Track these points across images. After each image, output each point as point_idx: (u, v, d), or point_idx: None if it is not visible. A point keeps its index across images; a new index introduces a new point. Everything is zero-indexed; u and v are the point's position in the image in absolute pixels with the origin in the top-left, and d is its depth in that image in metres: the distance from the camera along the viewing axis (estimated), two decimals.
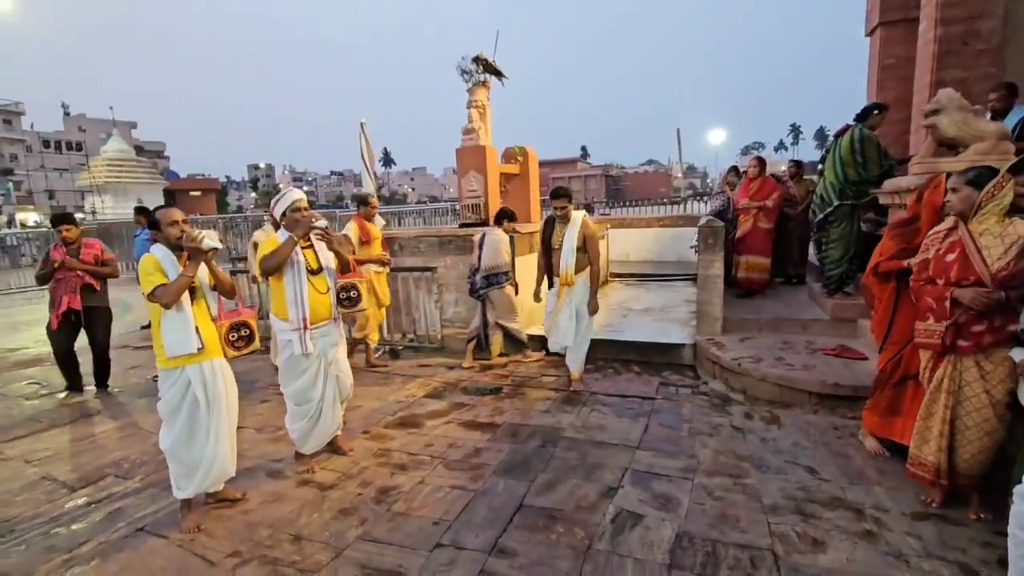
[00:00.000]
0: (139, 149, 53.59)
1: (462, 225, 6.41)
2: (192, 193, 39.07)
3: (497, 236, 4.88)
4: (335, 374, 3.06)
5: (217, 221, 17.95)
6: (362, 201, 5.04)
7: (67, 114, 54.46)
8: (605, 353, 4.89)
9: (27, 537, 2.52)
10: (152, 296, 2.40)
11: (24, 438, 3.71)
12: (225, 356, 2.65)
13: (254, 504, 2.72)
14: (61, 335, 4.44)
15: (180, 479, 2.52)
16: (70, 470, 3.20)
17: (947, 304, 2.12)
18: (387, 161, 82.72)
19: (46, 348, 4.97)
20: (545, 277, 4.24)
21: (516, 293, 5.00)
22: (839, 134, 4.54)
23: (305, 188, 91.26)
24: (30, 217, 38.55)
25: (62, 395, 4.55)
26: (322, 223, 2.89)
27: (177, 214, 2.55)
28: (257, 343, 2.80)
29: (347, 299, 3.14)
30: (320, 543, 2.37)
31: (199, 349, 2.47)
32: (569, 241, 3.96)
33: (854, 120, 4.44)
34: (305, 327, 2.86)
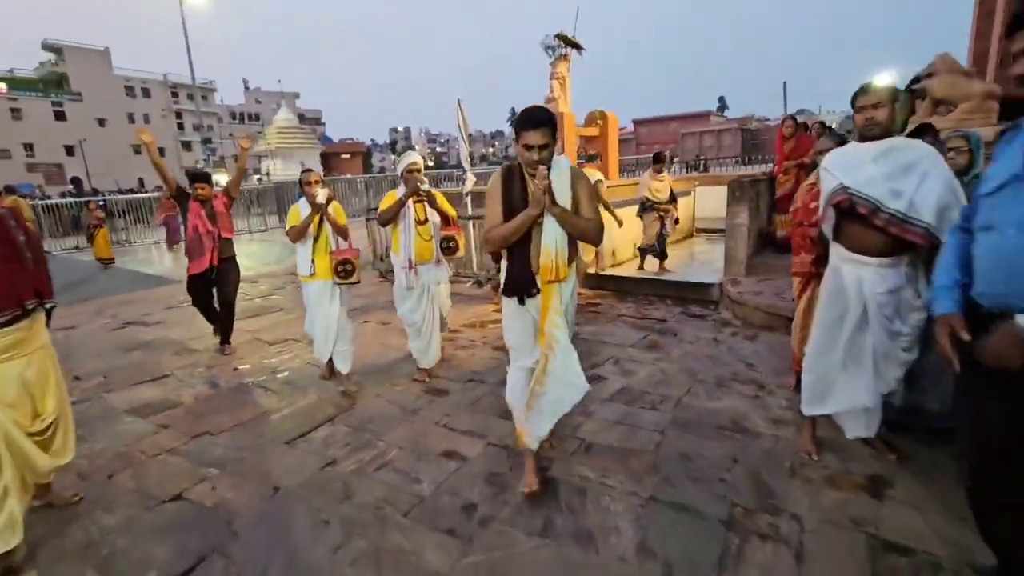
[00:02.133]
0: (301, 117, 60.98)
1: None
2: (343, 156, 44.20)
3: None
4: (437, 304, 3.78)
5: (361, 180, 20.99)
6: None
7: (247, 88, 63.69)
8: (648, 290, 5.89)
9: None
10: (287, 234, 3.57)
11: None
12: (334, 281, 3.54)
13: (370, 397, 4.34)
14: (200, 289, 4.54)
15: (316, 348, 3.72)
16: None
17: (811, 242, 2.90)
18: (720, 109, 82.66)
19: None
20: (504, 273, 2.31)
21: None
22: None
23: (438, 149, 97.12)
24: (222, 178, 46.82)
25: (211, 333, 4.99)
26: (424, 186, 3.48)
27: (311, 176, 3.49)
28: (357, 277, 3.54)
29: (447, 248, 3.72)
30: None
31: (311, 274, 3.53)
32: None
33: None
34: (411, 266, 3.54)
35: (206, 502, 2.45)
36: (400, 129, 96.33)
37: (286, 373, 4.05)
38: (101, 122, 44.96)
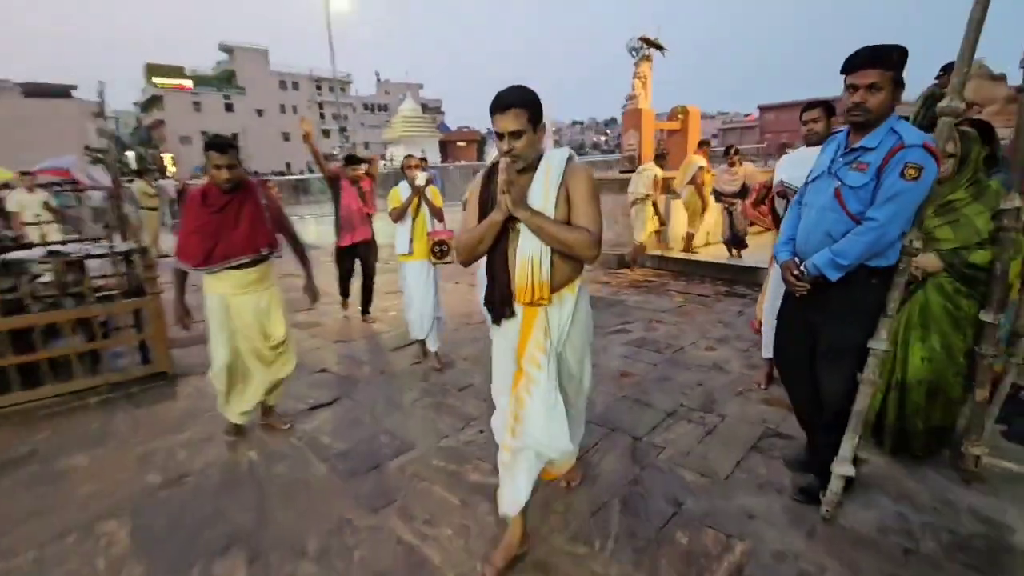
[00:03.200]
0: (424, 107, 65.07)
1: (621, 172, 8.43)
2: (459, 144, 46.85)
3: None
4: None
5: (473, 167, 22.87)
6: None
7: (378, 81, 69.34)
8: (705, 272, 6.58)
9: None
10: (389, 214, 3.76)
11: None
12: (431, 261, 3.73)
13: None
14: (348, 262, 5.03)
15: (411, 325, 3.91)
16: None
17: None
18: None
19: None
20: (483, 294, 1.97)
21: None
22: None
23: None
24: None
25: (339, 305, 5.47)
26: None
27: (411, 160, 3.84)
28: (452, 257, 3.62)
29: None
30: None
31: (409, 252, 3.70)
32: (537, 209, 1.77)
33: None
34: None
35: (341, 373, 3.85)
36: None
37: (393, 313, 5.45)
38: (259, 112, 51.92)
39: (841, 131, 2.11)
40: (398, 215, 3.73)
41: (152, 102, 48.87)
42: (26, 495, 2.52)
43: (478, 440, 2.81)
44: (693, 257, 6.99)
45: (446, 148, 42.46)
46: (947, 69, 5.82)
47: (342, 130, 37.74)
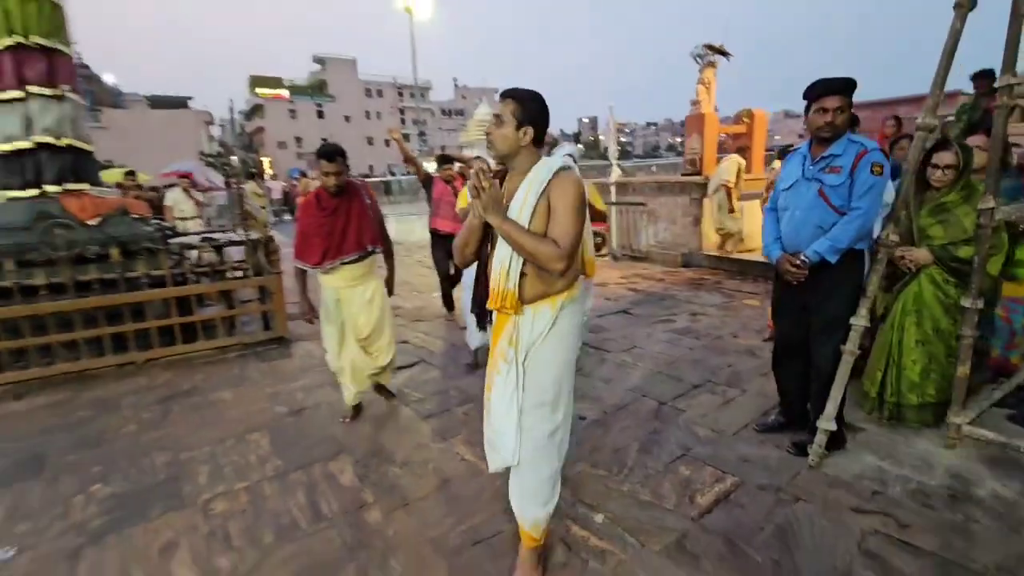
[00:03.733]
0: None
1: (683, 175, 8.72)
2: None
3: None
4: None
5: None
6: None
7: (456, 86, 71.79)
8: (758, 271, 6.80)
9: None
10: (457, 212, 4.37)
11: None
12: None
13: None
14: (442, 252, 5.03)
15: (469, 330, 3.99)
16: None
17: None
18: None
19: None
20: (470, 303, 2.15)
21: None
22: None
23: (622, 139, 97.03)
24: (432, 167, 54.38)
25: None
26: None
27: (475, 164, 4.53)
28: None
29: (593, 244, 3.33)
30: None
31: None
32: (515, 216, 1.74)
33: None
34: None
35: (419, 345, 4.61)
36: (587, 119, 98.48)
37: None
38: (347, 119, 55.46)
39: (798, 147, 2.55)
40: (463, 214, 3.77)
41: (255, 111, 53.59)
42: (193, 415, 3.41)
43: None
44: (750, 257, 7.20)
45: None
46: (979, 76, 5.86)
47: (420, 134, 39.79)
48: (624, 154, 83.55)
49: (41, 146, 4.47)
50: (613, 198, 8.52)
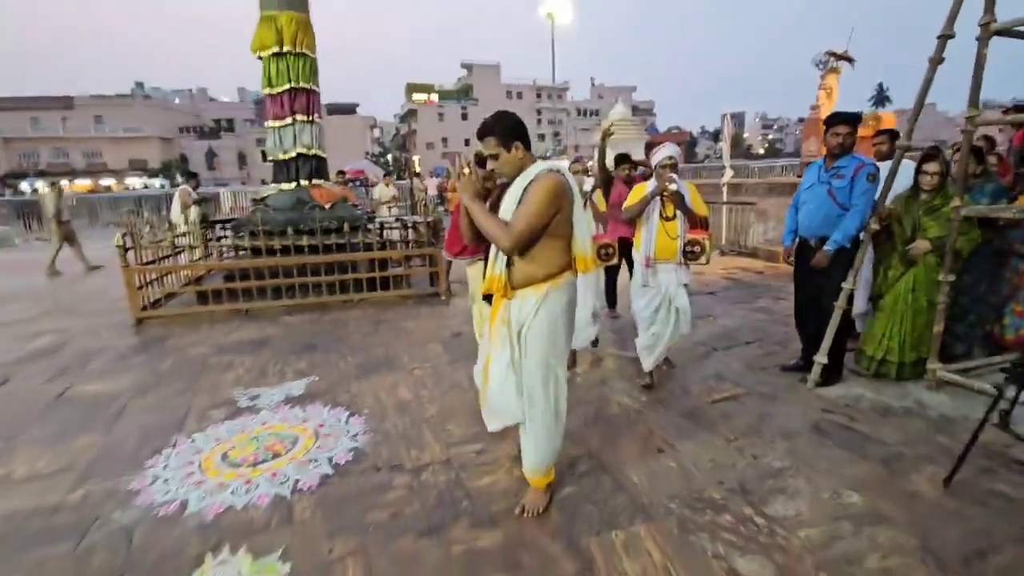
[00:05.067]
0: (635, 109, 65.84)
1: (796, 176, 9.18)
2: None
3: None
4: (676, 308, 3.49)
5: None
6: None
7: (593, 85, 72.72)
8: None
9: None
10: None
11: None
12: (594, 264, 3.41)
13: None
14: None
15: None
16: None
17: None
18: (879, 100, 71.61)
19: None
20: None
21: None
22: None
23: (770, 136, 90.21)
24: (564, 163, 56.11)
25: None
26: (673, 186, 3.30)
27: (576, 166, 5.71)
28: (615, 261, 3.70)
29: (691, 252, 3.42)
30: None
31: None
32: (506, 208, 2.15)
33: None
34: (648, 264, 3.46)
35: None
36: (730, 116, 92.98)
37: None
38: None
39: (816, 161, 3.53)
40: (631, 213, 3.73)
41: (408, 115, 59.79)
42: (392, 333, 5.23)
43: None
44: None
45: (651, 149, 43.07)
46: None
47: (555, 134, 41.63)
48: (773, 152, 77.90)
49: (300, 155, 6.72)
50: (725, 198, 9.28)
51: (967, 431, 2.47)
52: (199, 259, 7.26)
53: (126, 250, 5.58)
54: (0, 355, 4.77)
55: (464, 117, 58.79)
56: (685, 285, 3.50)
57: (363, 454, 2.88)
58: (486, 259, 2.27)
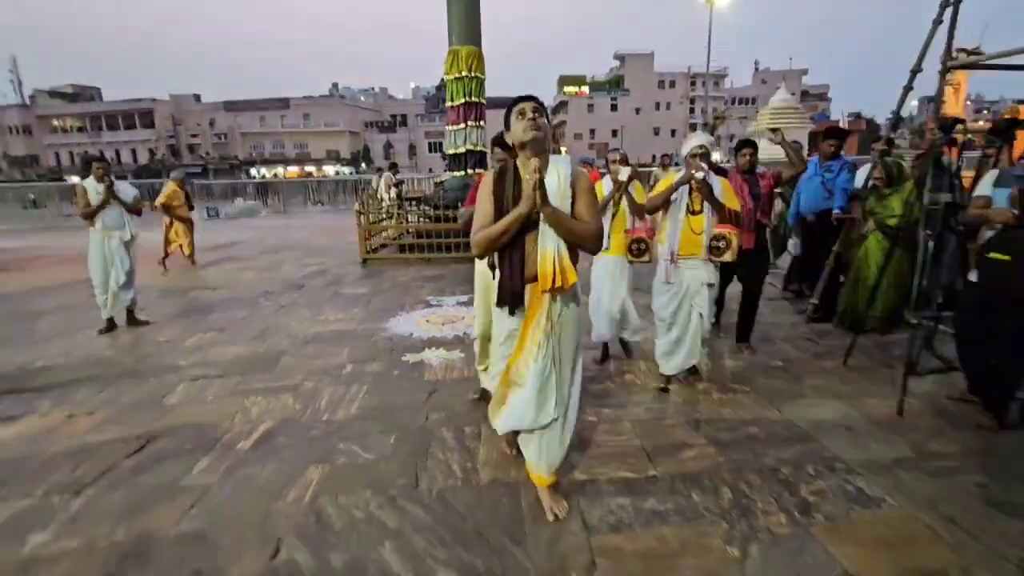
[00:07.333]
0: (804, 94, 60.69)
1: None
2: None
3: None
4: (698, 307, 3.29)
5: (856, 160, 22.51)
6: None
7: (756, 70, 68.12)
8: None
9: None
10: None
11: None
12: (627, 259, 3.77)
13: None
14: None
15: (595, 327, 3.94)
16: None
17: None
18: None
19: None
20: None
21: None
22: None
23: (982, 122, 75.59)
24: (716, 155, 54.08)
25: None
26: (699, 175, 3.06)
27: (613, 156, 3.95)
28: (648, 256, 3.67)
29: (715, 248, 3.23)
30: None
31: (605, 248, 3.11)
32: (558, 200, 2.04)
33: None
34: (672, 259, 3.25)
35: None
36: (915, 103, 79.84)
37: None
38: (637, 111, 59.38)
39: (813, 159, 4.84)
40: (602, 207, 3.62)
41: (560, 106, 62.18)
42: (453, 278, 7.39)
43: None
44: None
45: (815, 139, 39.93)
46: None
47: (705, 124, 40.75)
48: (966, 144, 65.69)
49: (468, 151, 9.20)
50: None
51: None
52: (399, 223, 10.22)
53: (359, 215, 8.55)
54: (296, 273, 7.99)
55: (613, 108, 59.52)
56: (710, 285, 3.30)
57: None
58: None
